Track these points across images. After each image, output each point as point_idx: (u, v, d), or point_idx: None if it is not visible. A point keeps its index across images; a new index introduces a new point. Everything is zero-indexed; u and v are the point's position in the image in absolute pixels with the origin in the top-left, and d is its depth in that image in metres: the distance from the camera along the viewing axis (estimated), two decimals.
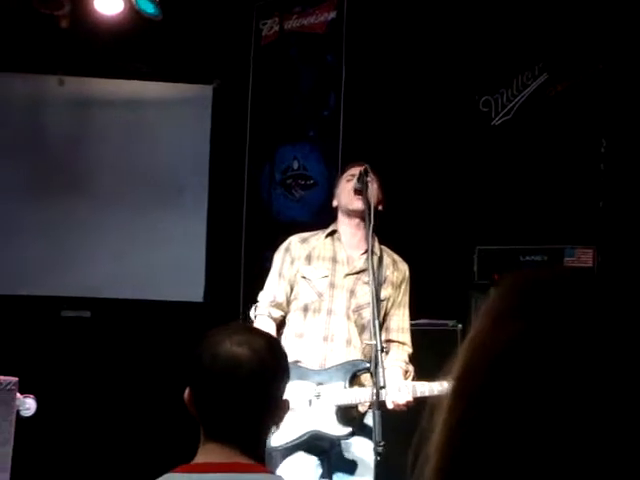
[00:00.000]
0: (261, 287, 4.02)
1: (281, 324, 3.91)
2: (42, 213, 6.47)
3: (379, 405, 3.37)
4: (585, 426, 0.71)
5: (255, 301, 3.97)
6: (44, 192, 6.49)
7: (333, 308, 3.80)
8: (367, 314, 3.72)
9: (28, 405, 4.29)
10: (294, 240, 3.95)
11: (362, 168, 3.76)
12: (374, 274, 3.65)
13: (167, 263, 6.51)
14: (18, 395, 4.31)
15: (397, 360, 3.80)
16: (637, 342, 0.74)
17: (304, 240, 3.93)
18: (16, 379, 4.30)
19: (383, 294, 3.80)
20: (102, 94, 6.63)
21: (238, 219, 6.50)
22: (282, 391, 2.04)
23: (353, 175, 3.82)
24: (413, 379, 3.74)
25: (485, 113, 5.51)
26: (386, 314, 3.87)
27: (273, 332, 3.80)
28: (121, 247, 6.48)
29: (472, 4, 5.42)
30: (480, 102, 5.53)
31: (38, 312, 6.46)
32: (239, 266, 6.44)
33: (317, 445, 3.68)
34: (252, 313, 4.00)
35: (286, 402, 2.06)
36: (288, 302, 3.90)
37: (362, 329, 3.76)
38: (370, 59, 5.90)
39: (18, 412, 4.29)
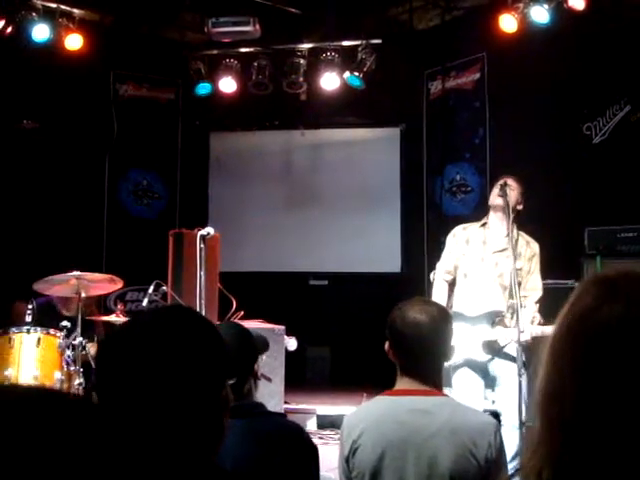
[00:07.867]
0: (438, 260, 4.65)
1: (452, 282, 4.45)
2: (293, 218, 7.66)
3: (520, 343, 3.87)
4: None
5: (434, 269, 4.62)
6: (294, 205, 7.69)
7: (484, 275, 4.33)
8: (506, 279, 4.21)
9: (292, 343, 5.16)
10: (459, 229, 4.55)
11: (502, 181, 4.27)
12: (514, 250, 4.12)
13: (375, 248, 7.47)
14: (285, 337, 5.18)
15: (529, 311, 4.23)
16: None
17: (465, 229, 4.51)
18: (284, 327, 5.22)
19: (518, 264, 4.20)
20: (329, 140, 7.76)
21: (421, 215, 7.40)
22: (449, 341, 2.20)
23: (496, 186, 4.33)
24: (539, 323, 4.14)
25: (588, 135, 6.19)
26: (523, 279, 4.28)
27: (446, 290, 4.42)
28: (345, 238, 7.51)
29: (579, 60, 6.01)
30: (584, 127, 6.21)
31: (294, 282, 7.68)
32: (423, 247, 7.24)
33: (474, 365, 4.21)
34: (432, 276, 4.63)
35: (453, 347, 2.24)
36: (455, 269, 4.46)
37: (504, 289, 4.27)
38: (505, 101, 6.62)
39: (286, 348, 5.16)
